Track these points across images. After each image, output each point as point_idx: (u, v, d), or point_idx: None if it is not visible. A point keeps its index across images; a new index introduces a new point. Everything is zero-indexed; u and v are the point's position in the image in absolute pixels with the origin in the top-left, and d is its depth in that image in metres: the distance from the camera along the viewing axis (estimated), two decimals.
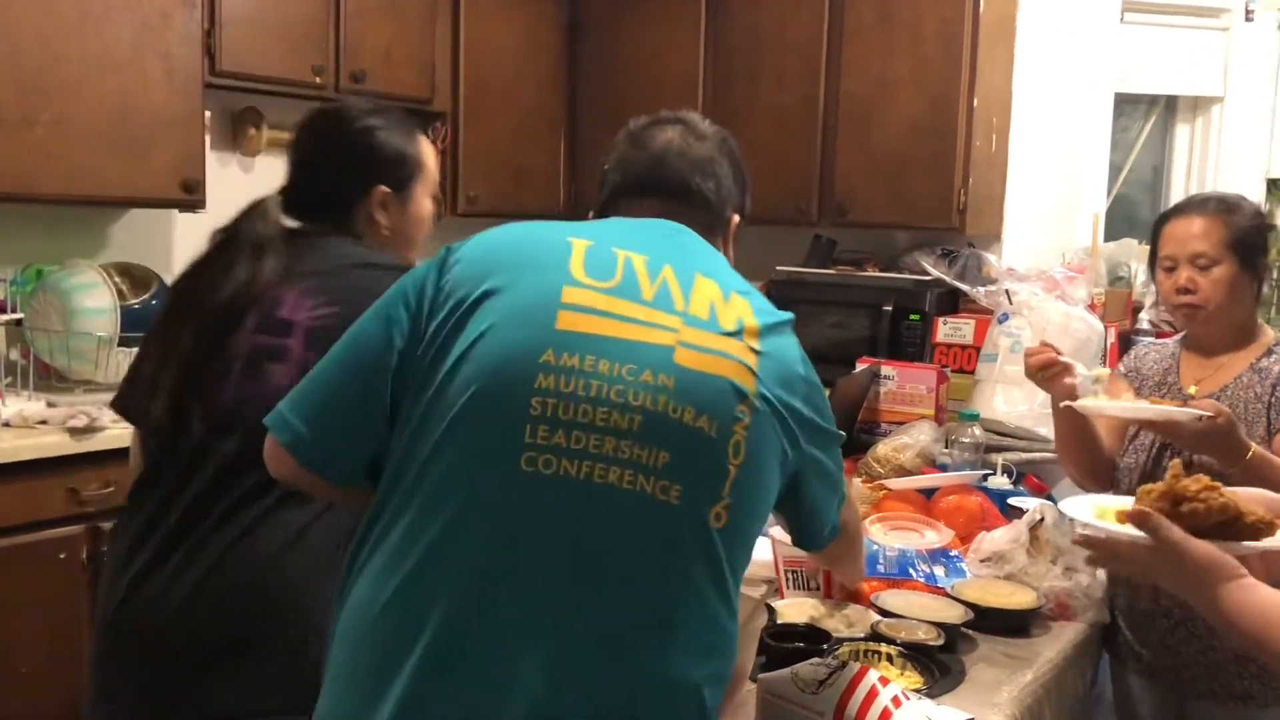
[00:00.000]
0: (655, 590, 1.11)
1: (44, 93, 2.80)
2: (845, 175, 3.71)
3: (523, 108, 4.09)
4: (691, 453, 1.12)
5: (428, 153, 1.78)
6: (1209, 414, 1.77)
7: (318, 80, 3.39)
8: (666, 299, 1.18)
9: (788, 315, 1.28)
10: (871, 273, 3.77)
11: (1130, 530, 1.22)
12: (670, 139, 1.38)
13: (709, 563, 1.13)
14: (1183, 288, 2.00)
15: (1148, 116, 4.38)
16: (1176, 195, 4.26)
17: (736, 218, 1.42)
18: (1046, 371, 1.99)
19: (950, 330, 3.46)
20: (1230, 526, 1.22)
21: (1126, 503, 1.30)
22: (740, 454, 1.14)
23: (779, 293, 3.82)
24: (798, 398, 1.22)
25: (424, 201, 1.77)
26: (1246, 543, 1.21)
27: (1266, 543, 1.22)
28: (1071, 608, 1.87)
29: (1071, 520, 1.45)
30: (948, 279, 3.58)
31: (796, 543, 1.39)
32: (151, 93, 3.00)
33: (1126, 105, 4.25)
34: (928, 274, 3.62)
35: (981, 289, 3.41)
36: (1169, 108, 4.36)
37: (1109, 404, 1.92)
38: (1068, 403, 1.95)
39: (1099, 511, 1.36)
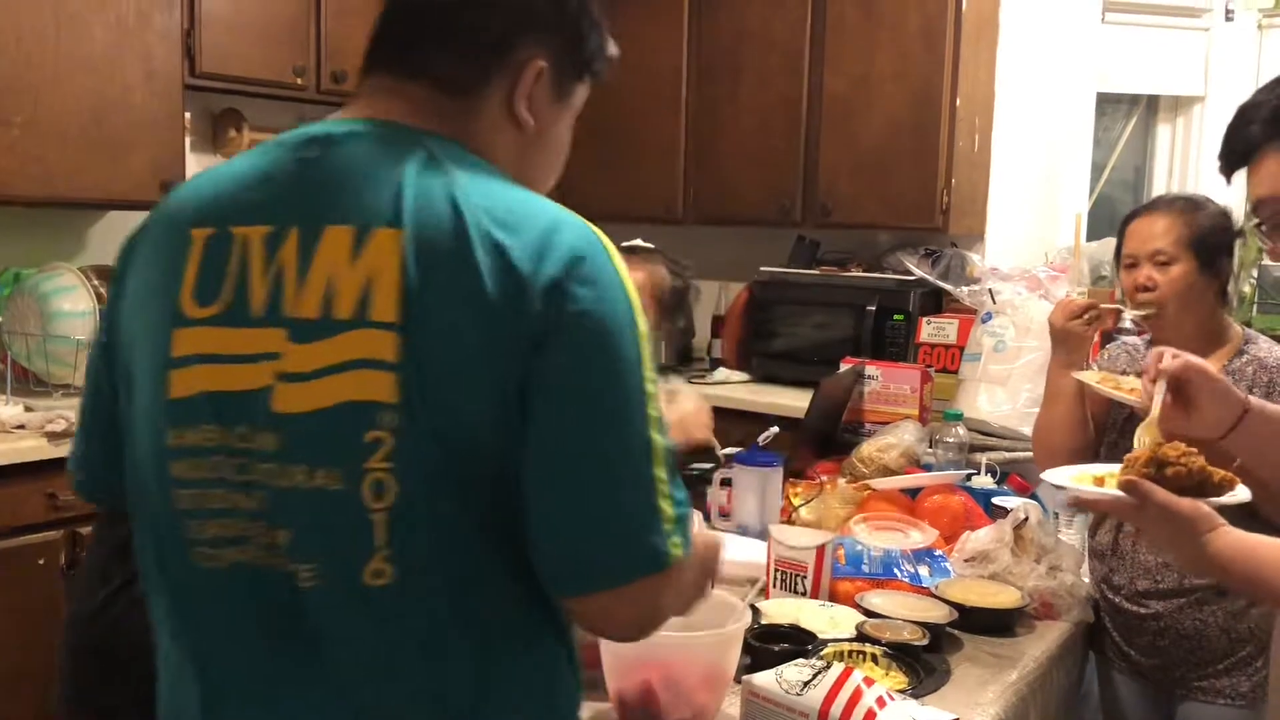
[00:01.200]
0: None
1: (19, 94, 2.77)
2: (828, 175, 3.71)
3: None
4: (318, 521, 0.92)
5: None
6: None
7: (299, 81, 3.37)
8: (276, 303, 0.94)
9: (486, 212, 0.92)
10: (855, 273, 3.77)
11: (1118, 494, 1.33)
12: None
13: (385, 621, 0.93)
14: (1141, 285, 2.01)
15: (1129, 116, 4.39)
16: (1158, 187, 4.27)
17: (540, 63, 1.03)
18: (1089, 314, 2.06)
19: (934, 330, 3.46)
20: (1202, 486, 1.34)
21: (1100, 469, 1.42)
22: (387, 492, 0.90)
23: (762, 294, 3.82)
24: (507, 355, 0.90)
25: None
26: (1216, 499, 1.33)
27: (1230, 497, 1.34)
28: (1056, 607, 1.87)
29: (1060, 487, 1.52)
30: (931, 279, 3.58)
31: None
32: (130, 94, 2.97)
33: (1108, 104, 4.26)
34: (911, 274, 3.62)
35: (965, 289, 3.41)
36: (1150, 107, 4.38)
37: (1099, 382, 1.96)
38: (1077, 374, 2.00)
39: (1079, 478, 1.50)
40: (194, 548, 0.97)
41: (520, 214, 0.94)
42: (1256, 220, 1.42)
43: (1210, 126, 4.26)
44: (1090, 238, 3.87)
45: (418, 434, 0.90)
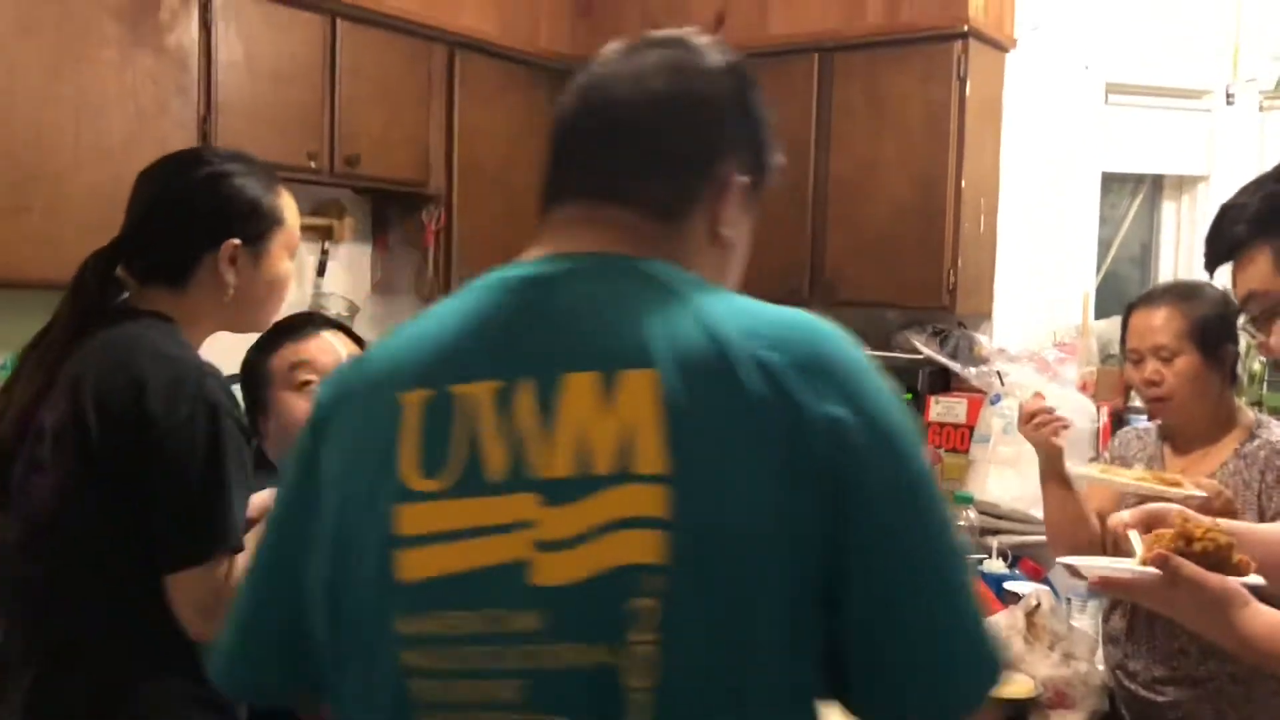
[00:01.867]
0: None
1: (39, 181, 2.82)
2: (835, 256, 3.74)
3: (516, 190, 4.13)
4: (592, 703, 0.83)
5: (289, 207, 1.62)
6: (1204, 494, 1.76)
7: (312, 165, 3.42)
8: (520, 465, 0.85)
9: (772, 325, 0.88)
10: (864, 351, 3.77)
11: (1147, 570, 1.32)
12: (624, 67, 0.99)
13: None
14: (1149, 380, 2.01)
15: (1134, 194, 4.43)
16: (1165, 271, 4.29)
17: (738, 178, 1.00)
18: (1038, 419, 2.00)
19: (943, 409, 3.46)
20: (1222, 565, 1.35)
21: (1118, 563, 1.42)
22: (655, 668, 0.81)
23: None
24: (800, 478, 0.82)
25: (281, 261, 1.61)
26: (1241, 578, 1.33)
27: (1252, 578, 1.35)
28: (1070, 696, 1.84)
29: (1077, 573, 1.52)
30: (939, 358, 3.58)
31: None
32: None
33: (1114, 183, 4.30)
34: (919, 353, 3.63)
35: (973, 369, 3.41)
36: (1155, 186, 4.41)
37: (1100, 473, 1.93)
38: (1075, 469, 1.96)
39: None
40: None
41: (780, 329, 0.88)
42: (1245, 315, 1.44)
43: (1214, 205, 4.28)
44: (1098, 315, 3.87)
45: (687, 597, 0.81)
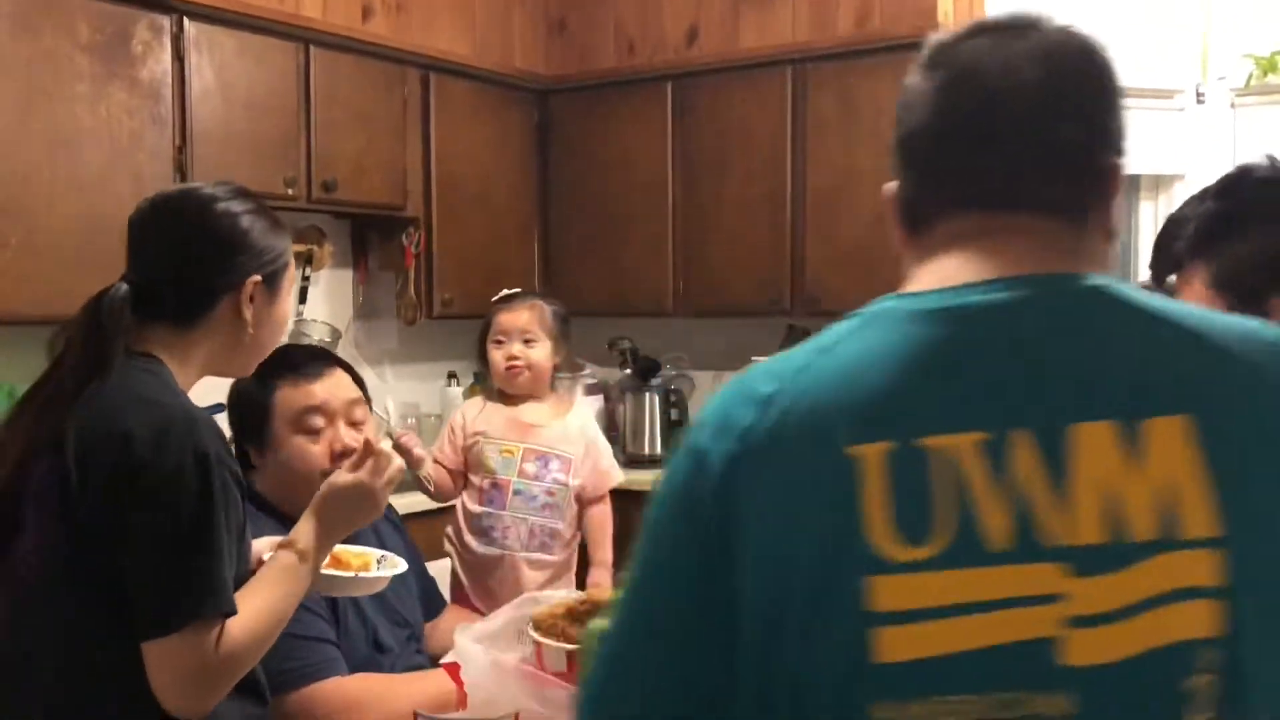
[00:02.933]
0: None
1: (14, 216, 2.82)
2: (815, 266, 3.75)
3: (495, 211, 4.14)
4: None
5: (291, 246, 1.60)
6: None
7: (289, 192, 3.42)
8: (1031, 529, 0.74)
9: None
10: None
11: None
12: (991, 56, 0.86)
13: None
14: None
15: None
16: (1143, 270, 4.30)
17: (1120, 165, 0.88)
18: None
19: None
20: None
21: None
22: None
23: None
24: None
25: (288, 300, 1.59)
26: None
27: None
28: None
29: None
30: None
31: None
32: (123, 212, 2.94)
33: None
34: None
35: None
36: (1132, 185, 4.44)
37: None
38: None
39: None
40: None
41: None
42: None
43: None
44: None
45: (1251, 670, 0.74)
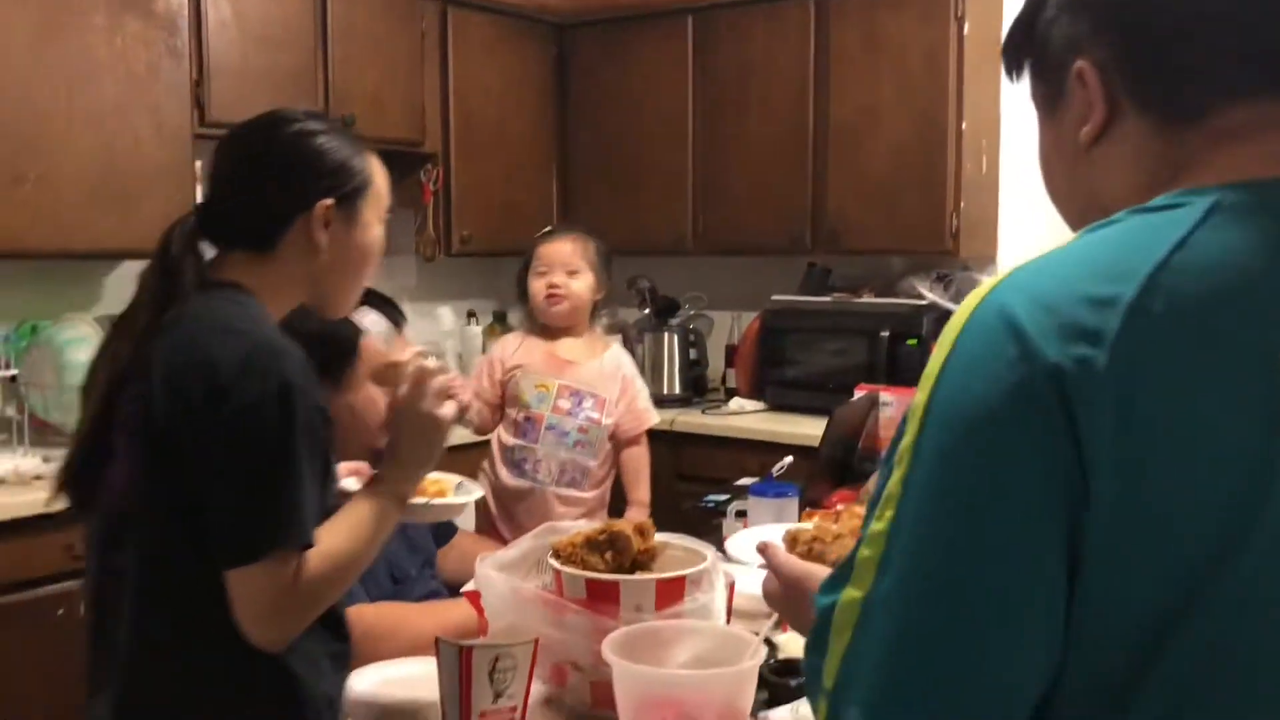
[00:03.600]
0: None
1: (33, 151, 2.80)
2: (837, 202, 3.71)
3: (513, 146, 4.11)
4: None
5: (378, 171, 1.51)
6: None
7: None
8: None
9: None
10: (867, 299, 3.76)
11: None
12: None
13: None
14: None
15: None
16: None
17: None
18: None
19: None
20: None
21: None
22: None
23: (774, 322, 3.82)
24: None
25: (373, 226, 1.49)
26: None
27: None
28: None
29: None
30: (943, 303, 3.57)
31: None
32: (141, 146, 3.01)
33: None
34: (923, 298, 3.61)
35: None
36: None
37: None
38: None
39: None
40: None
41: None
42: None
43: None
44: None
45: None
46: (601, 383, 2.74)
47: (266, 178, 1.42)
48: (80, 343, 2.88)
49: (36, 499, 2.57)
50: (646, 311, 4.13)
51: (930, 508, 0.71)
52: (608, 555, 1.70)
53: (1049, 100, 0.85)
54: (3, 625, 2.53)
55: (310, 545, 1.33)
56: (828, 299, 3.81)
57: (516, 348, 2.78)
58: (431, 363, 1.53)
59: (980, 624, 0.69)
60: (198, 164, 3.23)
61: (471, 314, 4.22)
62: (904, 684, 0.71)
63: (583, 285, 2.72)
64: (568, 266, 2.71)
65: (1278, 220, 0.72)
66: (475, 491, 1.72)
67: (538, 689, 1.51)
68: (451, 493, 1.69)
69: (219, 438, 1.30)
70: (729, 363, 4.13)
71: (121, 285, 3.33)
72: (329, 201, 1.42)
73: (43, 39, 2.81)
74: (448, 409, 1.50)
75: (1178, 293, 0.69)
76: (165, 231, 1.44)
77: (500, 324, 4.42)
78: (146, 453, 1.34)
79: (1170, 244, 0.71)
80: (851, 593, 0.74)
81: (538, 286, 2.73)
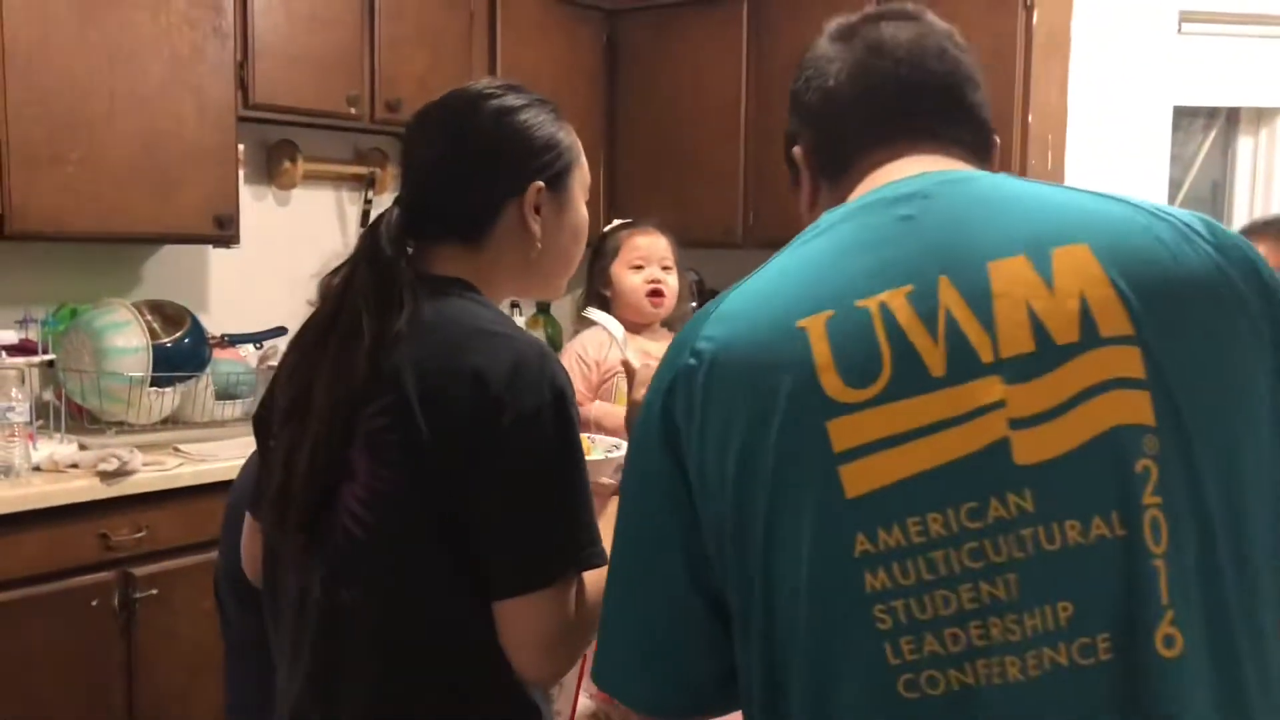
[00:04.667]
0: None
1: (75, 131, 2.75)
2: None
3: None
4: (1101, 581, 0.78)
5: (577, 140, 1.38)
6: None
7: (353, 111, 3.33)
8: (964, 353, 0.81)
9: (1183, 219, 0.87)
10: None
11: None
12: (896, 35, 1.03)
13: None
14: None
15: (1207, 130, 4.22)
16: (1239, 211, 4.09)
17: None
18: None
19: None
20: None
21: None
22: (1162, 532, 0.78)
23: None
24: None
25: (581, 204, 1.37)
26: None
27: None
28: None
29: None
30: None
31: None
32: (183, 127, 2.95)
33: (1185, 118, 4.09)
34: None
35: None
36: (1230, 120, 4.20)
37: None
38: None
39: None
40: (900, 676, 0.80)
41: (1163, 208, 0.90)
42: None
43: None
44: None
45: (1176, 460, 0.79)
46: None
47: (473, 163, 1.29)
48: (119, 328, 2.83)
49: (70, 487, 2.53)
50: (693, 305, 4.03)
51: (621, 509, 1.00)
52: None
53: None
54: (37, 614, 2.49)
55: (604, 564, 1.18)
56: None
57: (609, 346, 2.60)
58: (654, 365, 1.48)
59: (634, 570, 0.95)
60: (240, 147, 3.18)
61: (515, 304, 4.15)
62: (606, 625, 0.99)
63: (675, 281, 2.64)
64: (664, 261, 2.61)
65: (838, 223, 0.93)
66: (623, 446, 1.63)
67: (584, 704, 1.46)
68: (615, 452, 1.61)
69: (496, 453, 1.16)
70: None
71: (161, 269, 3.29)
72: (540, 183, 1.31)
73: (85, 18, 2.75)
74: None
75: (738, 310, 0.91)
76: (368, 231, 1.29)
77: (544, 315, 4.34)
78: (402, 473, 1.18)
79: (750, 277, 0.96)
80: None
81: (636, 281, 2.61)
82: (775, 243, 3.55)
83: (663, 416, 0.91)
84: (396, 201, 1.32)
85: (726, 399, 0.87)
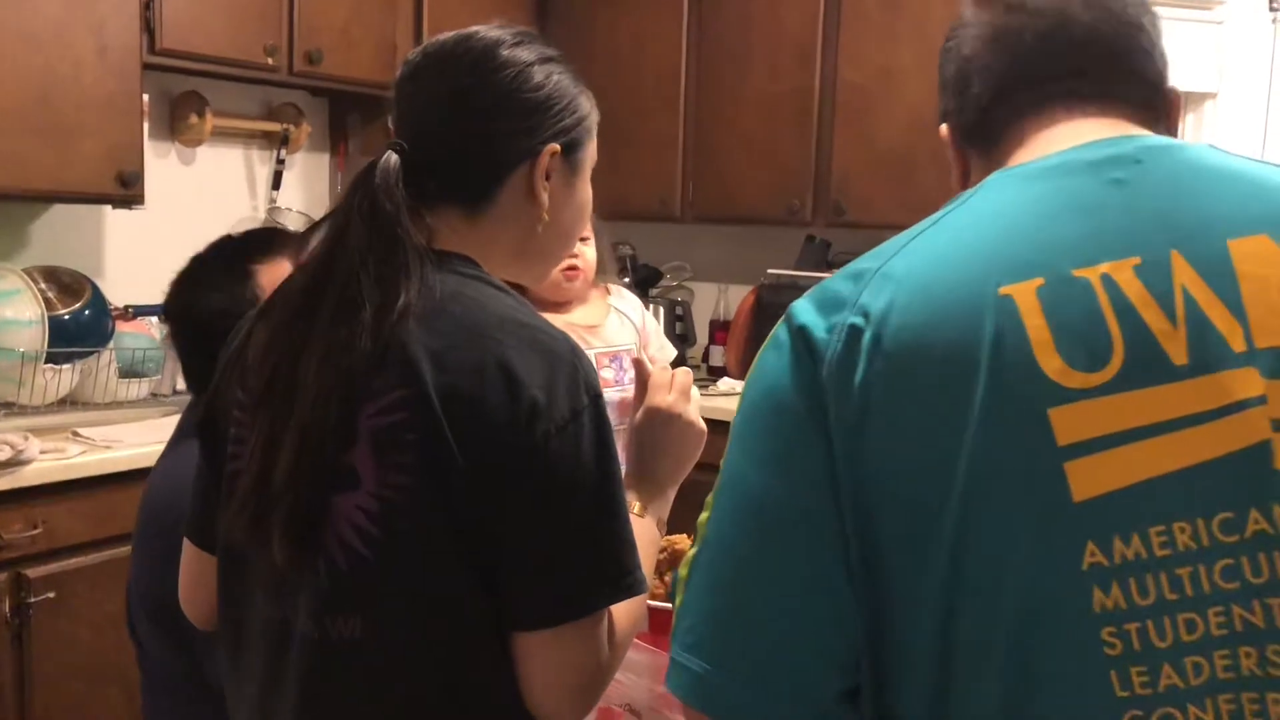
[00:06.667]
0: None
1: None
2: (843, 172, 3.47)
3: None
4: None
5: (596, 112, 1.23)
6: None
7: (269, 61, 3.05)
8: (1209, 342, 0.73)
9: None
10: None
11: None
12: None
13: None
14: None
15: None
16: None
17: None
18: None
19: None
20: None
21: None
22: None
23: (772, 298, 3.58)
24: None
25: (588, 181, 1.23)
26: None
27: None
28: None
29: None
30: None
31: None
32: (81, 73, 2.64)
33: None
34: None
35: None
36: None
37: None
38: None
39: None
40: (1126, 712, 0.70)
41: None
42: None
43: (1223, 123, 4.11)
44: None
45: None
46: (627, 332, 2.44)
47: (484, 119, 1.13)
48: (8, 297, 2.53)
49: None
50: (626, 280, 3.86)
51: (733, 477, 0.83)
52: (667, 578, 1.52)
53: None
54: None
55: (645, 591, 1.07)
56: (827, 275, 3.57)
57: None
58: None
59: (764, 584, 0.79)
60: (145, 97, 2.87)
61: None
62: (712, 636, 0.80)
63: (593, 251, 2.43)
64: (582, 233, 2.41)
65: (1032, 181, 0.82)
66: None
67: None
68: None
69: (535, 463, 1.01)
70: (713, 339, 3.88)
71: (52, 232, 2.96)
72: (556, 147, 1.15)
73: None
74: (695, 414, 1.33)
75: (920, 259, 0.81)
76: (361, 180, 1.08)
77: None
78: (423, 480, 1.01)
79: (917, 229, 0.85)
80: (691, 552, 0.85)
81: None
82: (716, 217, 3.38)
83: (809, 391, 0.78)
84: (389, 145, 1.11)
85: (902, 375, 0.75)
